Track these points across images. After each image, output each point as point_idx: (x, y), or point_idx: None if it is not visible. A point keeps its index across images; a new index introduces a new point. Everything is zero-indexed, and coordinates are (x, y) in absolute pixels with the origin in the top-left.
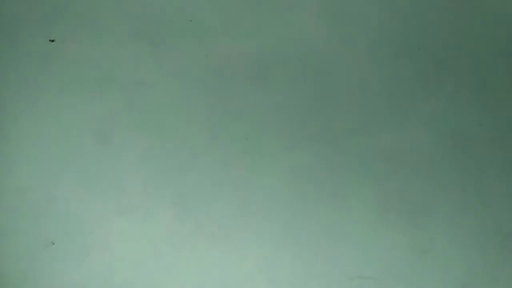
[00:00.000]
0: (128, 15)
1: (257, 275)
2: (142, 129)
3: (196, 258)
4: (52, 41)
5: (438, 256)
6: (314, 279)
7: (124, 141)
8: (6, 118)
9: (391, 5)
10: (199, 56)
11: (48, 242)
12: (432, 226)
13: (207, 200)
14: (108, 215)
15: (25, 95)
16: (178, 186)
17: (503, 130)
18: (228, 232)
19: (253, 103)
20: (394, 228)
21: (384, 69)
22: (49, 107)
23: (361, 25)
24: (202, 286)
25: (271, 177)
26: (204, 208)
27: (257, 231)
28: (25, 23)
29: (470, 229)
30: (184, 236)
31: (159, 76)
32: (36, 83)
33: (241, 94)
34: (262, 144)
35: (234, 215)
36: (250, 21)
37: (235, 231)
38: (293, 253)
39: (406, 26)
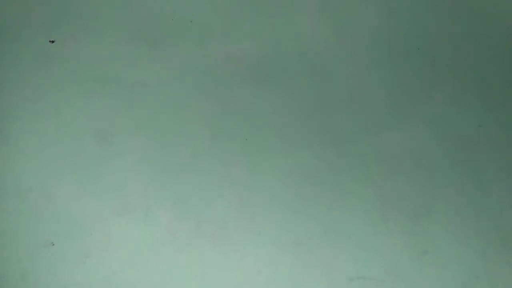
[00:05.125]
0: (128, 15)
1: (257, 275)
2: (142, 129)
3: (196, 258)
4: (52, 41)
5: (438, 256)
6: (314, 279)
7: (124, 141)
8: (6, 118)
9: (390, 6)
10: (199, 56)
11: (48, 243)
12: (432, 226)
13: (207, 200)
14: (108, 215)
15: (25, 96)
16: (178, 186)
17: (503, 131)
18: (228, 232)
19: (253, 103)
20: (394, 228)
21: (384, 70)
22: (49, 107)
23: (361, 25)
24: (202, 286)
25: (271, 177)
26: (204, 208)
27: (257, 231)
28: (25, 24)
29: (470, 230)
30: (184, 236)
31: (159, 76)
32: (36, 84)
33: (241, 94)
34: (262, 145)
35: (234, 215)
36: (250, 22)
37: (235, 231)
38: (293, 253)
39: (405, 26)
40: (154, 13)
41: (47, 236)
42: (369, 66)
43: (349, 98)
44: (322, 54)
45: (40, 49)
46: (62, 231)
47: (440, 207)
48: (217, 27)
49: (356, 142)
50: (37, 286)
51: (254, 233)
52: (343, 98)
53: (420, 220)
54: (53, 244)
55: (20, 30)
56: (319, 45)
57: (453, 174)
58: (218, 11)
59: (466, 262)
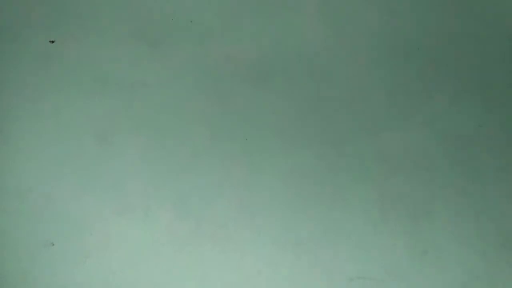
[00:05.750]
0: (128, 15)
1: (257, 275)
2: (142, 129)
3: (196, 258)
4: (52, 42)
5: (438, 256)
6: (314, 279)
7: (124, 141)
8: (6, 118)
9: (390, 6)
10: (199, 56)
11: (48, 243)
12: (432, 226)
13: (207, 200)
14: (108, 216)
15: (25, 96)
16: (178, 186)
17: (503, 131)
18: (228, 232)
19: (253, 103)
20: (394, 228)
21: (384, 70)
22: (49, 108)
23: (361, 25)
24: (202, 286)
25: (271, 177)
26: (204, 208)
27: (257, 231)
28: (25, 24)
29: (470, 230)
30: (184, 236)
31: (159, 76)
32: (36, 84)
33: (241, 95)
34: (262, 145)
35: (234, 215)
36: (250, 22)
37: (235, 231)
38: (293, 253)
39: (405, 26)
40: (154, 13)
41: (47, 236)
42: (369, 66)
43: (349, 98)
44: (322, 54)
45: (40, 49)
46: (62, 231)
47: (440, 207)
48: (217, 27)
49: (356, 142)
50: (37, 286)
51: (254, 233)
52: (343, 98)
53: (420, 220)
54: (53, 244)
55: (20, 30)
56: (319, 45)
57: (453, 174)
58: (218, 11)
59: (466, 262)
